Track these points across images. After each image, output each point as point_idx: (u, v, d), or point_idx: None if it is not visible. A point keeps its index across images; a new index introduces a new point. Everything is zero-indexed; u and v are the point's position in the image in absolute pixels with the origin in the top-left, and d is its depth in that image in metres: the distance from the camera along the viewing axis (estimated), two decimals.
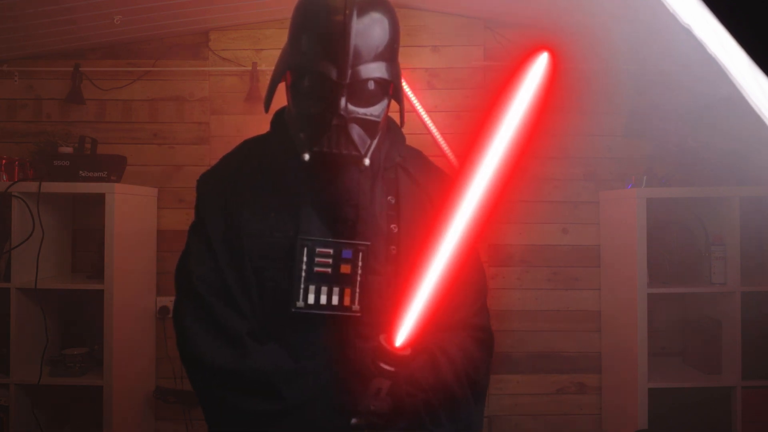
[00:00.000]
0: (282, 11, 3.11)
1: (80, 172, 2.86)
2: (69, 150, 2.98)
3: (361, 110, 1.24)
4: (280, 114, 1.41)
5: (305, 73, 1.24)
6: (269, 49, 3.24)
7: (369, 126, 1.27)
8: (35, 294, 2.81)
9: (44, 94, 3.29)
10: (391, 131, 1.42)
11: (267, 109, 1.35)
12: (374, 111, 1.27)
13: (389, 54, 1.27)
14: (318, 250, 1.26)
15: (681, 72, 3.01)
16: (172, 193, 3.25)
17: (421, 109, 3.19)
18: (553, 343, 3.27)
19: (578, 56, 3.25)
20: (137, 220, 3.05)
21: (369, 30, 1.22)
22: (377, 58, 1.24)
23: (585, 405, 3.27)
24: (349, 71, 1.20)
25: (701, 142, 3.01)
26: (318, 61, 1.21)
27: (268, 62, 3.20)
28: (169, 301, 3.11)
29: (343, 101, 1.20)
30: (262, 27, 3.26)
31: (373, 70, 1.23)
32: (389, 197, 1.34)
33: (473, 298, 1.40)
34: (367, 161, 1.26)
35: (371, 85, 1.24)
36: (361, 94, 1.23)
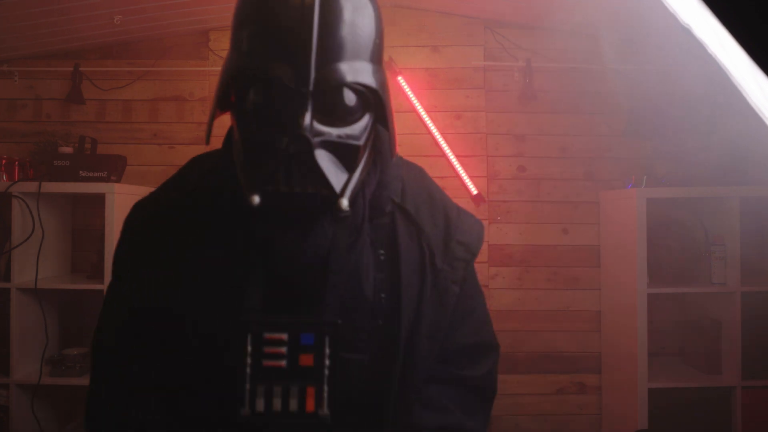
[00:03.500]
0: None
1: (80, 172, 2.87)
2: (69, 150, 2.99)
3: (333, 130, 0.88)
4: (231, 133, 1.02)
5: (249, 82, 0.89)
6: None
7: (346, 153, 0.89)
8: (35, 294, 2.81)
9: (44, 94, 3.29)
10: (380, 160, 1.04)
11: (207, 141, 0.97)
12: (353, 131, 0.90)
13: (372, 52, 0.91)
14: (267, 336, 0.89)
15: (680, 72, 3.01)
16: None
17: (421, 109, 3.19)
18: (553, 343, 3.27)
19: (578, 56, 3.26)
20: None
21: (342, 16, 0.87)
22: (355, 55, 0.88)
23: (585, 405, 3.27)
24: (313, 74, 0.85)
25: (701, 142, 3.01)
26: (266, 62, 0.86)
27: None
28: None
29: (306, 117, 0.84)
30: None
31: (350, 72, 0.87)
32: (380, 251, 1.01)
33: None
34: (345, 202, 0.88)
35: (348, 95, 0.89)
36: (334, 107, 0.88)
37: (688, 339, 3.12)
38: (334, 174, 0.88)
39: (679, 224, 3.12)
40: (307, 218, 0.91)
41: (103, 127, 3.28)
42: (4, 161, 2.88)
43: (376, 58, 0.93)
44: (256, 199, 0.86)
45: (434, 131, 3.17)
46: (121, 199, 2.82)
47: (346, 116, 0.89)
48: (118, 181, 2.95)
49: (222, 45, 3.26)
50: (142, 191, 3.09)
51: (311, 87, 0.85)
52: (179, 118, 3.29)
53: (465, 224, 1.09)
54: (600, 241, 3.27)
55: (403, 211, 1.05)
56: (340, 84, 0.87)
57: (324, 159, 0.87)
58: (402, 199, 1.06)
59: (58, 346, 3.02)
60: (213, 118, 0.96)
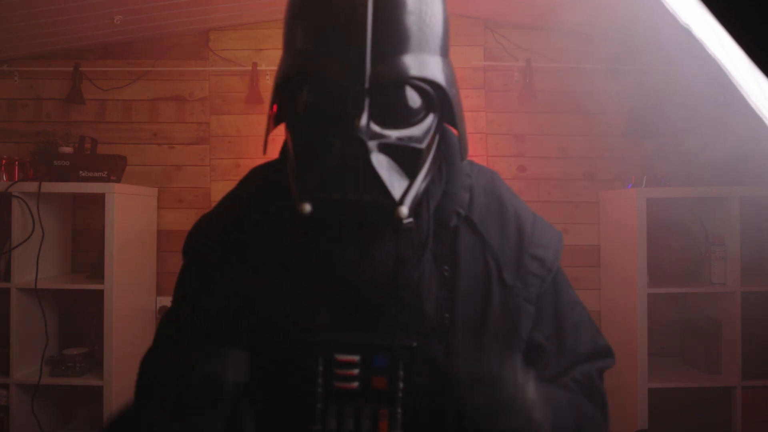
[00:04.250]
0: (282, 11, 3.11)
1: (80, 172, 2.87)
2: (69, 150, 2.99)
3: (393, 132, 0.80)
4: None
5: (300, 81, 0.82)
6: (269, 49, 3.23)
7: (407, 157, 0.81)
8: (35, 294, 2.81)
9: (44, 94, 3.29)
10: (446, 167, 0.95)
11: (264, 150, 0.92)
12: (415, 133, 0.81)
13: (440, 43, 0.82)
14: (338, 358, 0.84)
15: (680, 72, 3.01)
16: (172, 193, 3.24)
17: None
18: None
19: (577, 56, 3.26)
20: (137, 220, 3.05)
21: (403, 3, 0.78)
22: (419, 47, 0.78)
23: None
24: (369, 70, 0.76)
25: (701, 142, 3.01)
26: (317, 60, 0.78)
27: (268, 62, 3.20)
28: (168, 300, 3.11)
29: (363, 118, 0.76)
30: (262, 27, 3.26)
31: (412, 66, 0.78)
32: (444, 267, 0.92)
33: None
34: (405, 210, 0.79)
35: (410, 93, 0.80)
36: (394, 106, 0.80)
37: (688, 339, 3.12)
38: (394, 180, 0.79)
39: (679, 224, 3.12)
40: (365, 230, 0.83)
41: (103, 127, 3.28)
42: (4, 161, 2.88)
43: (444, 50, 0.84)
44: (307, 207, 0.79)
45: None
46: (120, 199, 2.82)
47: (408, 116, 0.81)
48: (118, 181, 2.95)
49: (222, 45, 3.26)
50: (142, 191, 3.09)
51: (367, 84, 0.76)
52: (179, 118, 3.28)
53: (540, 236, 0.99)
54: (600, 241, 3.27)
55: (469, 223, 0.95)
56: (401, 80, 0.78)
57: (382, 164, 0.78)
58: (469, 210, 0.96)
59: (58, 346, 3.02)
60: (269, 130, 0.89)
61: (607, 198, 3.20)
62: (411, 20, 0.78)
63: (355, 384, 0.84)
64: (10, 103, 3.29)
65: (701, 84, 2.75)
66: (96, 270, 2.88)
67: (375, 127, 0.78)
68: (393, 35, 0.77)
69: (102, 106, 3.29)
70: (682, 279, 3.04)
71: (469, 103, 3.26)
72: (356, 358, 0.84)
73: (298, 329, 0.87)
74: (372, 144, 0.77)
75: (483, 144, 3.24)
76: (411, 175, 0.82)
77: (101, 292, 2.76)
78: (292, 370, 0.87)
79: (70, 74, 3.20)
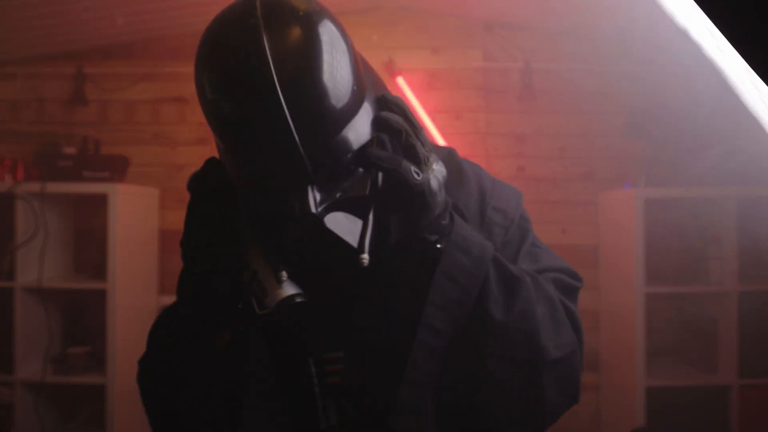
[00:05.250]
0: None
1: (83, 172, 2.89)
2: (72, 151, 3.01)
3: (336, 192, 0.84)
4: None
5: (243, 186, 0.87)
6: None
7: (354, 205, 0.86)
8: (39, 293, 2.83)
9: (47, 96, 3.30)
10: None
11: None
12: (354, 183, 0.86)
13: (353, 101, 0.83)
14: (327, 356, 0.93)
15: (679, 72, 3.03)
16: (173, 193, 3.26)
17: (421, 110, 3.21)
18: None
19: (576, 57, 3.28)
20: (139, 220, 3.07)
21: (309, 94, 0.78)
22: (339, 122, 0.81)
23: (583, 403, 3.25)
24: (309, 169, 0.79)
25: (699, 142, 3.03)
26: (258, 173, 0.83)
27: None
28: (170, 300, 3.12)
29: (312, 205, 0.79)
30: None
31: (341, 142, 0.82)
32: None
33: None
34: (366, 258, 0.85)
35: (343, 160, 0.83)
36: (332, 173, 0.83)
37: (685, 338, 3.14)
38: (347, 232, 0.84)
39: (677, 225, 3.14)
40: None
41: (106, 127, 3.29)
42: (7, 162, 2.90)
43: (358, 100, 0.84)
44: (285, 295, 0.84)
45: (434, 132, 3.19)
46: (123, 200, 2.84)
47: (346, 174, 0.84)
48: (120, 181, 2.98)
49: None
50: (144, 191, 3.11)
51: (310, 177, 0.79)
52: (181, 119, 3.30)
53: (501, 191, 1.07)
54: (599, 241, 3.29)
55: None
56: (335, 161, 0.82)
57: (333, 222, 0.83)
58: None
59: (61, 344, 3.04)
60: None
61: (605, 198, 3.22)
62: (322, 104, 0.79)
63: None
64: (13, 104, 3.30)
65: (699, 85, 2.77)
66: (98, 270, 2.90)
67: (319, 195, 0.81)
68: (313, 127, 0.78)
69: (104, 107, 3.31)
70: (680, 279, 3.06)
71: (469, 104, 3.28)
72: (342, 354, 0.93)
73: (286, 332, 0.91)
74: (321, 212, 0.81)
75: (482, 144, 3.26)
76: (363, 216, 0.86)
77: (104, 291, 2.78)
78: (286, 374, 0.93)
79: (73, 76, 3.22)
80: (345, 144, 0.81)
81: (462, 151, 1.15)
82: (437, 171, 0.88)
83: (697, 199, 2.96)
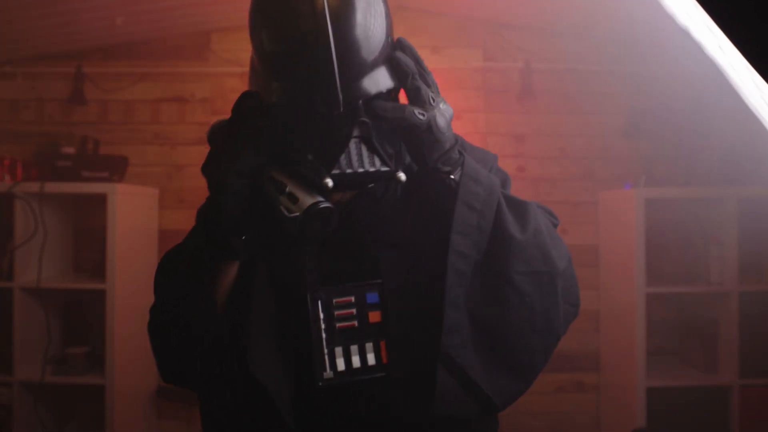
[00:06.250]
0: None
1: (82, 172, 2.89)
2: (71, 150, 3.00)
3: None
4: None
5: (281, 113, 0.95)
6: None
7: (385, 133, 0.97)
8: (38, 293, 2.83)
9: (46, 95, 3.30)
10: None
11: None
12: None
13: (384, 51, 0.95)
14: (336, 300, 1.01)
15: (680, 72, 3.03)
16: (173, 193, 3.26)
17: None
18: None
19: (576, 57, 3.28)
20: (139, 220, 3.07)
21: (354, 32, 0.90)
22: (373, 65, 0.94)
23: (583, 403, 3.29)
24: (341, 97, 0.89)
25: (700, 142, 3.03)
26: (299, 98, 0.92)
27: None
28: None
29: (354, 130, 0.93)
30: None
31: (371, 85, 0.94)
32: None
33: None
34: (402, 175, 0.97)
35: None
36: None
37: (685, 338, 3.13)
38: (385, 152, 0.95)
39: (677, 224, 3.14)
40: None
41: (105, 127, 3.29)
42: (6, 162, 2.89)
43: (388, 51, 0.96)
44: (330, 182, 0.91)
45: None
46: (122, 200, 2.84)
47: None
48: (119, 181, 2.98)
49: (223, 46, 3.28)
50: (143, 191, 3.11)
51: (341, 108, 0.89)
52: (180, 118, 3.30)
53: (477, 153, 1.16)
54: (599, 240, 3.28)
55: None
56: (365, 98, 0.93)
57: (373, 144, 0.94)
58: None
59: (60, 345, 3.03)
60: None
61: (605, 198, 3.22)
62: (362, 44, 0.91)
63: (355, 322, 1.01)
64: (12, 103, 3.30)
65: (700, 84, 2.77)
66: (98, 269, 2.90)
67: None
68: (353, 62, 0.91)
69: (104, 106, 3.31)
70: (680, 278, 3.06)
71: (469, 104, 3.28)
72: (352, 298, 1.01)
73: (296, 282, 1.01)
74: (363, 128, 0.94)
75: (482, 144, 3.24)
76: (394, 145, 0.99)
77: (103, 291, 2.78)
78: (294, 321, 1.01)
79: (72, 75, 3.21)
80: (373, 88, 0.93)
81: None
82: (444, 110, 1.00)
83: (697, 199, 2.96)
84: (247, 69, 1.08)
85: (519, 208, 1.05)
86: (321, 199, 0.91)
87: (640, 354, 2.80)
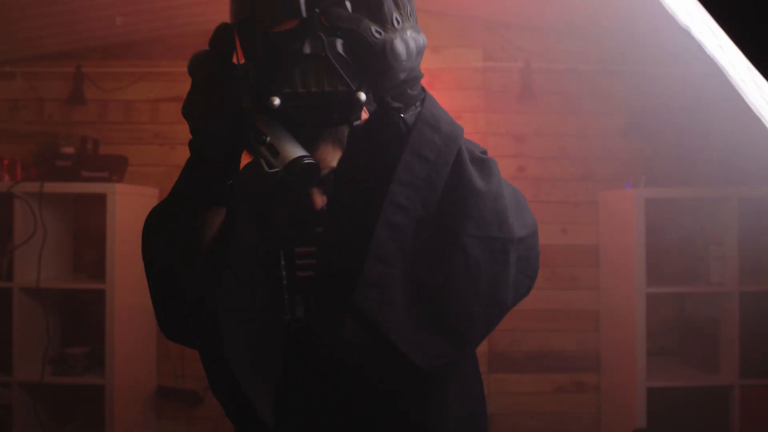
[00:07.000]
0: None
1: (82, 172, 2.89)
2: (71, 150, 3.00)
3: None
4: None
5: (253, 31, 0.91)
6: None
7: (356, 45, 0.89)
8: (37, 293, 2.83)
9: (46, 95, 3.30)
10: None
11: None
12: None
13: None
14: (297, 250, 1.02)
15: (680, 72, 3.03)
16: None
17: None
18: (551, 343, 3.28)
19: (577, 57, 3.28)
20: (138, 220, 3.02)
21: None
22: None
23: (583, 404, 3.29)
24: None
25: (700, 142, 3.03)
26: (266, 14, 0.88)
27: None
28: None
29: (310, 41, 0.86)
30: None
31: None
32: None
33: None
34: (362, 96, 0.88)
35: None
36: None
37: (686, 338, 3.13)
38: (350, 72, 0.86)
39: (677, 224, 3.13)
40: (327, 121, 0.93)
41: (105, 127, 3.28)
42: (6, 161, 2.89)
43: None
44: (276, 101, 0.85)
45: None
46: (122, 200, 2.84)
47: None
48: (119, 181, 2.97)
49: None
50: (143, 191, 3.11)
51: (304, 14, 0.85)
52: (180, 118, 3.24)
53: (467, 143, 1.10)
54: (599, 240, 3.28)
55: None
56: (326, 7, 0.86)
57: (337, 57, 0.86)
58: None
59: (59, 345, 3.03)
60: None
61: (606, 198, 3.21)
62: None
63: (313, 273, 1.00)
64: (12, 103, 3.30)
65: (700, 84, 2.77)
66: (97, 270, 2.90)
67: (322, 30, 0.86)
68: None
69: (103, 106, 3.30)
70: (680, 279, 3.06)
71: (469, 104, 3.28)
72: (314, 248, 1.00)
73: (263, 231, 1.00)
74: (327, 40, 0.85)
75: (482, 144, 3.24)
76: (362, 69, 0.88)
77: (103, 291, 2.78)
78: (259, 267, 1.00)
79: (72, 75, 3.21)
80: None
81: None
82: (410, 37, 0.88)
83: (697, 199, 2.96)
84: None
85: (482, 163, 0.98)
86: (304, 153, 0.87)
87: (641, 354, 2.80)
